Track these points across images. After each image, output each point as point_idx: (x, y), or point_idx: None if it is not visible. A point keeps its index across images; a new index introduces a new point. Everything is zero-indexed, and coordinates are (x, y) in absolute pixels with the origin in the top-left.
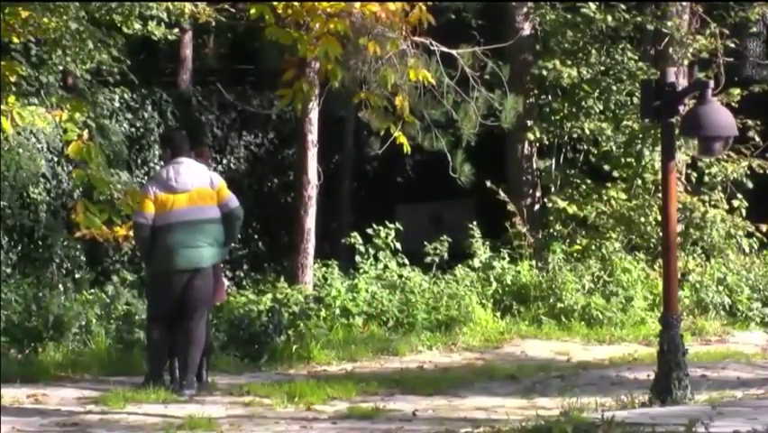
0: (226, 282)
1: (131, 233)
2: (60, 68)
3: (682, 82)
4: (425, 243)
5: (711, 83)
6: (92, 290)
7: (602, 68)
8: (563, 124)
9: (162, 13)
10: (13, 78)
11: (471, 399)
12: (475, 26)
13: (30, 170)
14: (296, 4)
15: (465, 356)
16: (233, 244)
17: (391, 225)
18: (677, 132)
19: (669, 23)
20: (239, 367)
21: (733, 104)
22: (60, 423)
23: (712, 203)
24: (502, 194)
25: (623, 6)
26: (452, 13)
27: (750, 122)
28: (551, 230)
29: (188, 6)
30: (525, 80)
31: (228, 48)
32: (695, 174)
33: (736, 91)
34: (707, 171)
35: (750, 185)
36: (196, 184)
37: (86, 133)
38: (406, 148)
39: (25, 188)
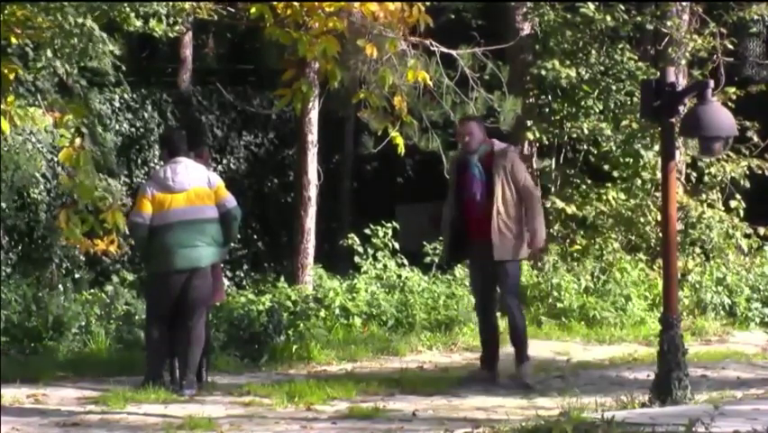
0: (226, 282)
1: (110, 248)
2: (53, 68)
3: (682, 82)
4: (425, 243)
5: (711, 83)
6: (92, 291)
7: (602, 68)
8: (563, 125)
9: (162, 9)
10: (11, 77)
11: (471, 399)
12: (475, 27)
13: (28, 170)
14: (295, 3)
15: (465, 356)
16: (232, 244)
17: (388, 225)
18: (677, 132)
19: (668, 23)
20: (239, 367)
21: (729, 103)
22: (60, 423)
23: (709, 203)
24: None
25: (622, 6)
26: (452, 13)
27: (748, 123)
28: (550, 230)
29: (188, 3)
30: (525, 80)
31: (228, 48)
32: (695, 174)
33: (732, 89)
34: (706, 171)
35: (748, 185)
36: (194, 184)
37: (78, 141)
38: (401, 149)
39: (25, 189)
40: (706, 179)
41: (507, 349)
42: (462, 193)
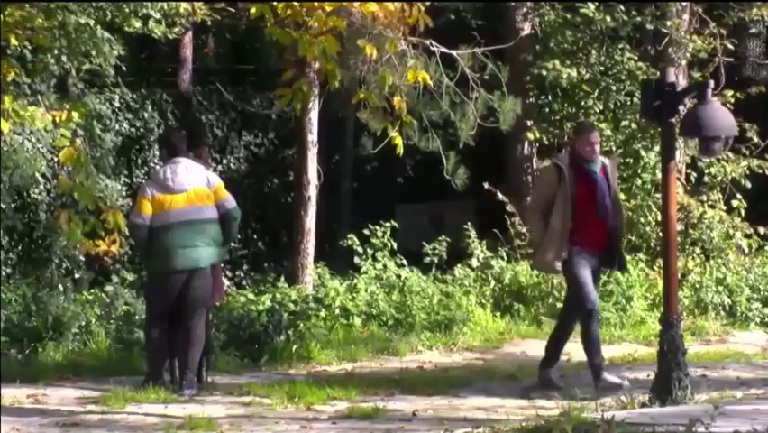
0: (226, 282)
1: (112, 248)
2: (54, 70)
3: (682, 82)
4: (425, 243)
5: (711, 83)
6: (92, 291)
7: (602, 68)
8: (563, 125)
9: (156, 13)
10: (9, 78)
11: (471, 399)
12: (475, 27)
13: (28, 170)
14: (295, 3)
15: (465, 356)
16: (232, 244)
17: (387, 224)
18: (677, 132)
19: (668, 23)
20: (239, 367)
21: (728, 105)
22: (60, 423)
23: (709, 203)
24: (500, 195)
25: (622, 6)
26: (452, 13)
27: (747, 125)
28: None
29: (183, 5)
30: (525, 80)
31: (228, 48)
32: (695, 174)
33: (729, 93)
34: (706, 172)
35: (748, 185)
36: (194, 184)
37: (78, 141)
38: (400, 149)
39: (25, 189)
40: (706, 179)
41: (505, 349)
42: (585, 203)
